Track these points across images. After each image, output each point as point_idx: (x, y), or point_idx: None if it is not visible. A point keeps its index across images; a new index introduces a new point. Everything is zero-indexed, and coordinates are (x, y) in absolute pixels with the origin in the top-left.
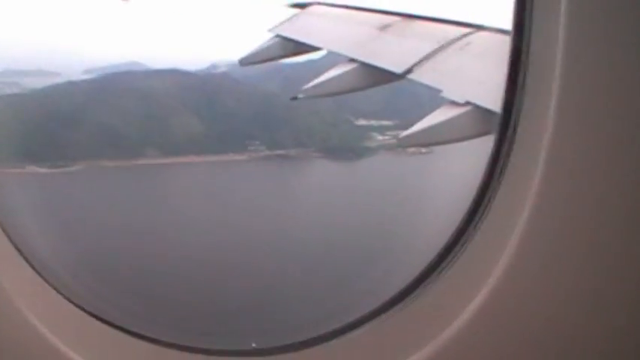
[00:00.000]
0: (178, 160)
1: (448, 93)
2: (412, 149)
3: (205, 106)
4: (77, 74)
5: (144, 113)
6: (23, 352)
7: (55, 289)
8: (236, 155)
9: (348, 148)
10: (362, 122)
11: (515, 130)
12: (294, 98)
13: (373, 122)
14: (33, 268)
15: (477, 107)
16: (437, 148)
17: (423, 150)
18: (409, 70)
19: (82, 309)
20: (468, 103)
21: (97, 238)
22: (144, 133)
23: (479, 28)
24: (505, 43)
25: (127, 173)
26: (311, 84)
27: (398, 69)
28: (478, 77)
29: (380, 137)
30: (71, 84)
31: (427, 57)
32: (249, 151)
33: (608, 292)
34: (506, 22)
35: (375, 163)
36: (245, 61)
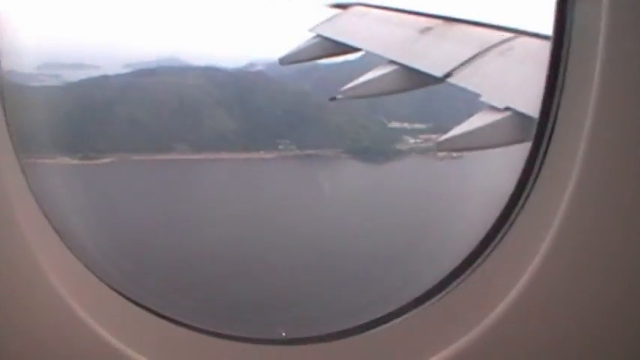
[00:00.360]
0: (209, 157)
1: (487, 98)
2: (443, 153)
3: (238, 103)
4: (117, 68)
5: (176, 109)
6: (67, 340)
7: (96, 275)
8: (266, 153)
9: (379, 150)
10: (394, 124)
11: (551, 136)
12: (333, 99)
13: (406, 125)
14: (75, 255)
15: (517, 113)
16: (468, 154)
17: (454, 154)
18: (449, 74)
19: (124, 296)
20: (507, 109)
21: (129, 230)
22: (175, 128)
23: (521, 33)
24: (547, 49)
25: (158, 167)
26: (350, 85)
27: (438, 72)
28: (519, 83)
29: (412, 140)
30: (107, 78)
31: (468, 61)
32: (279, 150)
33: None
34: (549, 27)
35: (406, 165)
36: (285, 61)
